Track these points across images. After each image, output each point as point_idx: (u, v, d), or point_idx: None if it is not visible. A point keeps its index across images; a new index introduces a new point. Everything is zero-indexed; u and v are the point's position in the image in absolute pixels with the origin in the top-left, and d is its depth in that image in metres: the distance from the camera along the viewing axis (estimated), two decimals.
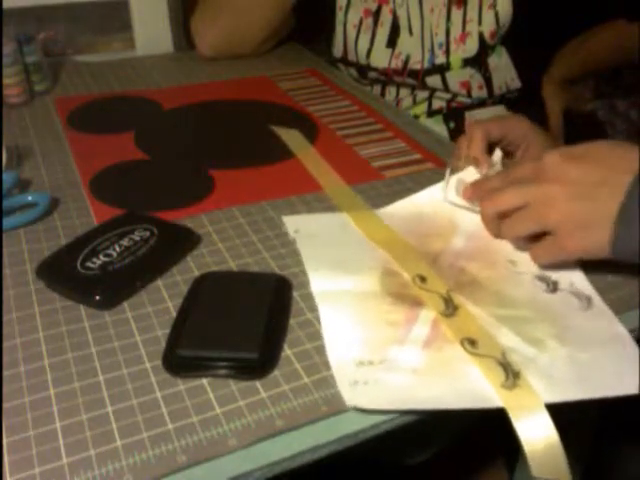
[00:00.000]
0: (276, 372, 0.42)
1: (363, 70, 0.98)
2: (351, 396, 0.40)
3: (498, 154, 0.61)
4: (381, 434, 0.39)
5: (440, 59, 0.89)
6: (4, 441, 0.37)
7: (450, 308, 0.46)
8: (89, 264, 0.50)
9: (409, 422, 0.40)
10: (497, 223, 0.53)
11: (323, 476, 0.61)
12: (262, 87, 0.94)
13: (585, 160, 0.47)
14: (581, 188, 0.46)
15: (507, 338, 0.44)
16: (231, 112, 0.86)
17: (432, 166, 0.69)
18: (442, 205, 0.60)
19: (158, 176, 0.69)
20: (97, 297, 0.47)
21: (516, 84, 0.91)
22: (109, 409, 0.39)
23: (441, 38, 0.88)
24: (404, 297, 0.48)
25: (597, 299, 0.48)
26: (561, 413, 0.39)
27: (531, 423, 0.38)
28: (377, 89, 1.00)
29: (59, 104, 0.86)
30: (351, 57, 0.98)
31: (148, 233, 0.54)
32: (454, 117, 0.94)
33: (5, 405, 0.39)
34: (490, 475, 0.91)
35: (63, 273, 0.50)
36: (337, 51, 1.00)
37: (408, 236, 0.56)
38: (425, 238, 0.56)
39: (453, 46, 0.88)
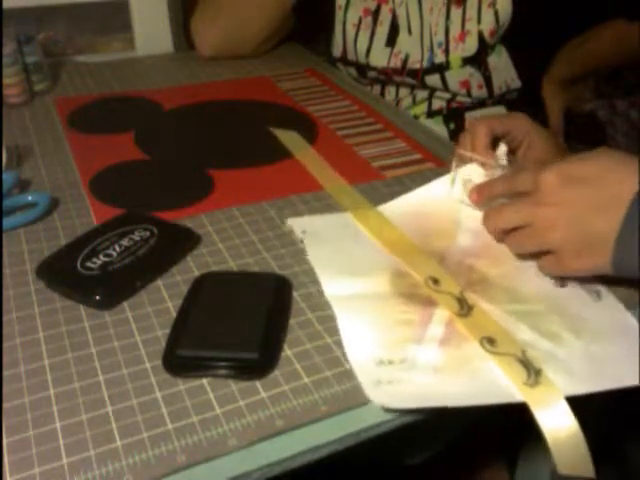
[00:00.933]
0: (276, 372, 0.42)
1: (362, 69, 0.98)
2: (376, 396, 0.40)
3: (503, 149, 0.60)
4: (381, 434, 0.39)
5: (439, 58, 0.89)
6: (4, 441, 0.37)
7: (465, 308, 0.47)
8: (89, 264, 0.50)
9: (409, 422, 0.40)
10: (502, 236, 0.53)
11: (323, 476, 0.61)
12: (262, 87, 0.94)
13: (583, 181, 0.47)
14: (580, 212, 0.47)
15: (524, 334, 0.45)
16: (231, 112, 0.85)
17: (432, 166, 0.69)
18: (444, 202, 0.60)
19: (158, 176, 0.69)
20: (97, 297, 0.47)
21: (516, 84, 0.91)
22: (109, 409, 0.39)
23: (440, 37, 0.88)
24: (416, 297, 0.49)
25: (605, 292, 0.49)
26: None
27: (555, 420, 0.38)
28: (377, 89, 1.00)
29: (59, 104, 0.86)
30: (350, 56, 0.98)
31: (148, 233, 0.54)
32: (454, 118, 0.93)
33: (5, 405, 0.39)
34: (490, 475, 0.91)
35: (63, 273, 0.50)
36: (336, 50, 1.00)
37: (412, 234, 0.56)
38: (429, 237, 0.56)
39: (452, 45, 0.87)
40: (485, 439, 0.92)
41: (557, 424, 0.38)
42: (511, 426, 0.39)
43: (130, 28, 1.06)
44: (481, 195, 0.56)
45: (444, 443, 0.78)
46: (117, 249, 0.51)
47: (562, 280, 0.50)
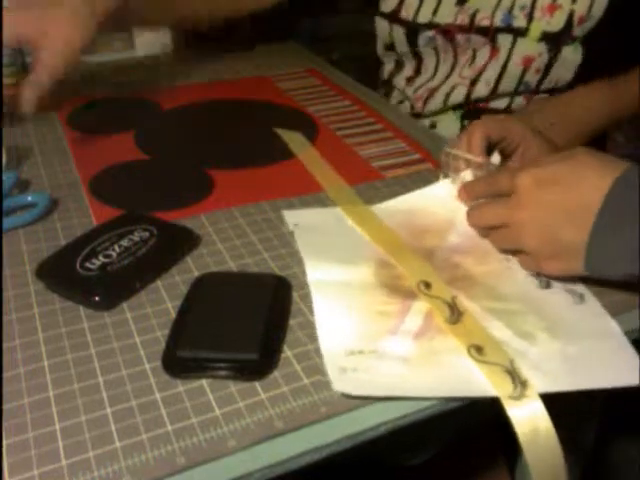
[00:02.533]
0: (276, 373, 0.42)
1: (414, 31, 0.90)
2: (339, 383, 0.40)
3: (497, 157, 0.61)
4: (380, 435, 0.39)
5: (520, 21, 0.82)
6: (3, 442, 0.37)
7: (455, 314, 0.47)
8: (88, 265, 0.50)
9: (409, 423, 0.40)
10: (485, 232, 0.55)
11: (323, 476, 0.61)
12: (262, 87, 0.94)
13: (557, 184, 0.48)
14: (552, 217, 0.48)
15: (498, 331, 0.45)
16: (231, 112, 0.85)
17: (432, 166, 0.69)
18: (439, 203, 0.60)
19: (158, 176, 0.68)
20: (96, 298, 0.47)
21: (562, 83, 0.85)
22: (108, 410, 0.39)
23: (526, 1, 0.82)
24: (398, 288, 0.49)
25: (589, 296, 0.49)
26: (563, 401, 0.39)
27: (536, 436, 0.39)
28: (410, 66, 0.93)
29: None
30: (405, 14, 0.89)
31: (147, 234, 0.54)
32: (471, 117, 0.89)
33: (4, 406, 0.39)
34: (490, 475, 0.91)
35: (62, 274, 0.50)
36: (388, 5, 0.92)
37: (404, 231, 0.57)
38: (421, 234, 0.57)
39: (538, 14, 0.81)
40: (485, 439, 0.92)
41: (538, 440, 0.39)
42: (511, 426, 0.39)
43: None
44: (464, 195, 0.59)
45: (444, 443, 0.78)
46: (116, 250, 0.51)
47: (547, 281, 0.51)
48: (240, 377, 0.41)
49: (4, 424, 0.38)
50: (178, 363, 0.42)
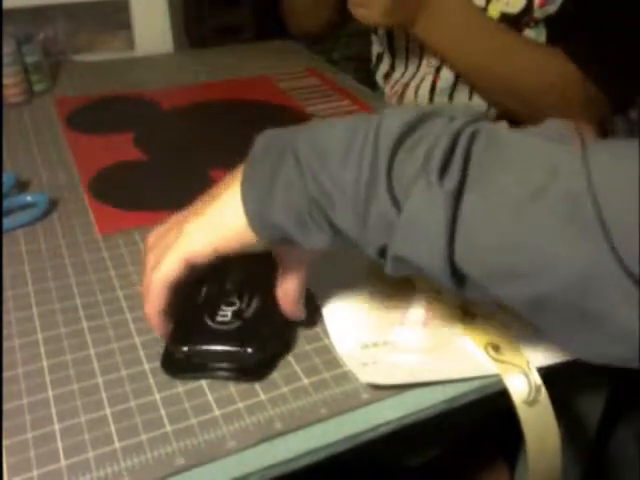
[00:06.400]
0: (275, 374, 0.42)
1: None
2: (363, 374, 0.41)
3: None
4: (380, 436, 0.39)
5: (478, 1, 0.78)
6: (3, 443, 0.37)
7: (468, 316, 0.47)
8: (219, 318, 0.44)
9: (409, 424, 0.40)
10: None
11: (323, 477, 0.61)
12: (262, 87, 0.94)
13: None
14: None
15: (498, 315, 0.46)
16: (231, 112, 0.85)
17: None
18: None
19: (158, 176, 0.68)
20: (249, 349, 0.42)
21: None
22: (107, 411, 0.39)
23: None
24: (395, 284, 0.50)
25: None
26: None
27: (542, 441, 0.40)
28: (387, 60, 0.93)
29: (59, 104, 0.86)
30: None
31: None
32: None
33: (4, 406, 0.39)
34: (490, 476, 0.91)
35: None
36: None
37: None
38: None
39: None
40: (485, 440, 0.92)
41: (544, 445, 0.40)
42: (512, 427, 0.40)
43: (130, 28, 1.06)
44: None
45: (444, 444, 0.78)
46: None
47: None
48: (240, 378, 0.41)
49: (4, 424, 0.38)
50: (177, 363, 0.42)
